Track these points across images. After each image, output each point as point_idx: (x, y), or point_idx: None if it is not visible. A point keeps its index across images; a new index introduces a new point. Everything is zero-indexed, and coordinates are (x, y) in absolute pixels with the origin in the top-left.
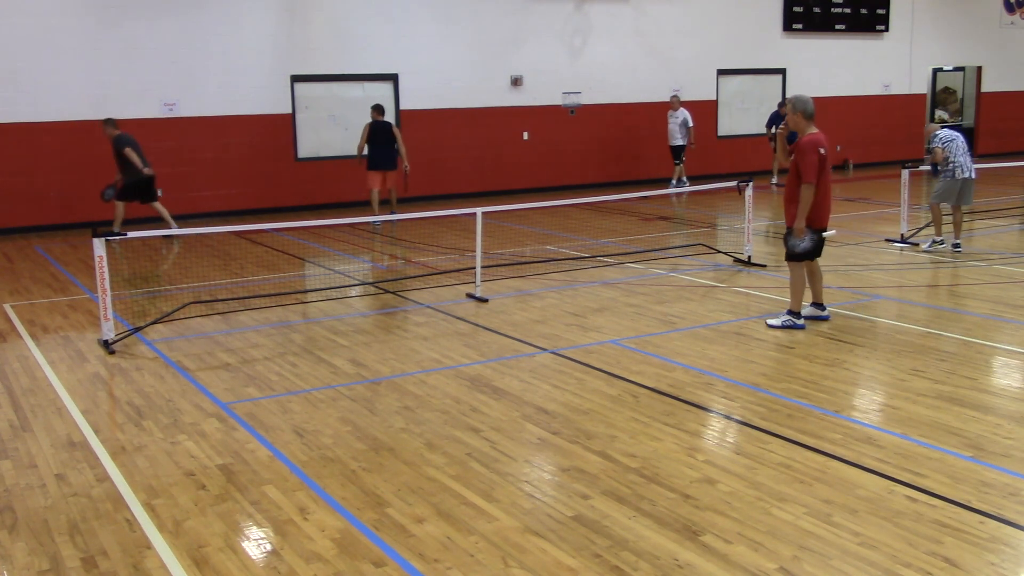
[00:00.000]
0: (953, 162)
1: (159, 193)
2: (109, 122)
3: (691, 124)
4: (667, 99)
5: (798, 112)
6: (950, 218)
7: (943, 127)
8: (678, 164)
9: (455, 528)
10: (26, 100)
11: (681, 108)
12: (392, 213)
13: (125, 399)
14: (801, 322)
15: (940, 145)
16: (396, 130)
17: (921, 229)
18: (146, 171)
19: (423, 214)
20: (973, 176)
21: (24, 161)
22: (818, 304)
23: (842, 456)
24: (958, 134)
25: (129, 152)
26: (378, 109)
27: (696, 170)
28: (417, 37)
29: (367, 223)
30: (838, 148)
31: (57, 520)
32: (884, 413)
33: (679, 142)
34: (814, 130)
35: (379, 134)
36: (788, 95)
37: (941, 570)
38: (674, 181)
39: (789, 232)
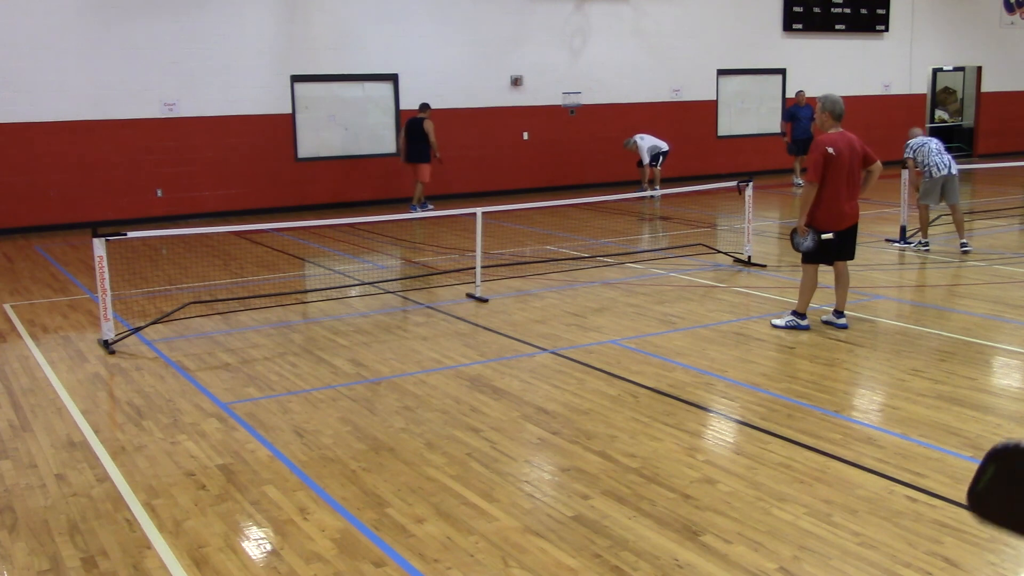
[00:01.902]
0: (926, 164)
1: None
2: None
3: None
4: (667, 99)
5: (826, 111)
6: (942, 220)
7: (918, 135)
8: (653, 167)
9: (455, 528)
10: (26, 100)
11: (637, 139)
12: (411, 208)
13: (125, 399)
14: (805, 323)
15: (910, 155)
16: (426, 125)
17: (920, 229)
18: None
19: (423, 214)
20: (953, 173)
21: (24, 161)
22: (838, 312)
23: (842, 456)
24: (930, 138)
25: None
26: (420, 107)
27: (696, 170)
28: (417, 37)
29: (367, 223)
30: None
31: (57, 520)
32: (884, 413)
33: (665, 148)
34: (837, 130)
35: (409, 130)
36: (819, 93)
37: (941, 570)
38: (650, 185)
39: (795, 231)
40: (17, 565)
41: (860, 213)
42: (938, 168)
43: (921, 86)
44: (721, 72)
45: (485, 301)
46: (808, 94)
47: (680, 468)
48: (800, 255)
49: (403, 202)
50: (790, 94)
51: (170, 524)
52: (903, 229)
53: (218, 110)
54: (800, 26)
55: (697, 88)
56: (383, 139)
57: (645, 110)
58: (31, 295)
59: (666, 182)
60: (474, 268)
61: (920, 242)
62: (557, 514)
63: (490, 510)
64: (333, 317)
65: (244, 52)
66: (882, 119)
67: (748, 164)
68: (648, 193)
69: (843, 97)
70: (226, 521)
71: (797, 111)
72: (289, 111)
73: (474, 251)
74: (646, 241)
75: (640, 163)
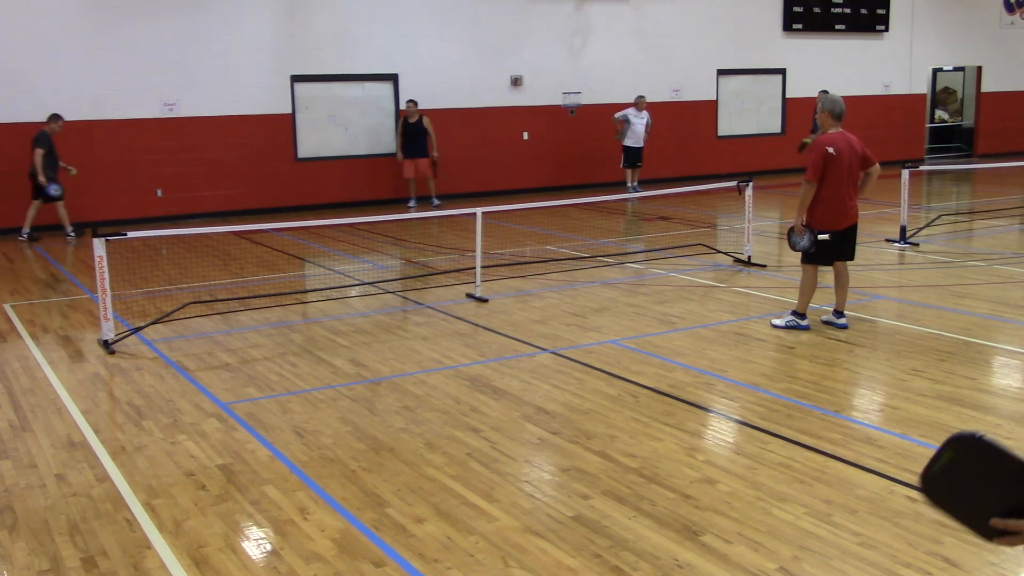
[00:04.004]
0: None
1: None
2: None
3: (650, 123)
4: (667, 99)
5: (826, 111)
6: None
7: None
8: (639, 167)
9: (455, 528)
10: (26, 100)
11: (645, 109)
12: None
13: (125, 399)
14: (805, 323)
15: None
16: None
17: (921, 229)
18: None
19: (423, 214)
20: None
21: (24, 161)
22: (838, 312)
23: (842, 456)
24: None
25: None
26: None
27: (696, 170)
28: (417, 37)
29: (367, 223)
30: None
31: (57, 520)
32: (884, 413)
33: (641, 144)
34: (837, 130)
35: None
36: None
37: (941, 570)
38: (636, 184)
39: (792, 230)
40: (17, 565)
41: (860, 213)
42: None
43: (921, 86)
44: (721, 72)
45: (485, 301)
46: (808, 94)
47: (680, 468)
48: (800, 255)
49: (402, 202)
50: (790, 94)
51: (170, 524)
52: (903, 229)
53: (218, 110)
54: (800, 26)
55: (697, 88)
56: (383, 139)
57: (647, 110)
58: (31, 295)
59: (666, 182)
60: (474, 268)
61: None
62: (557, 514)
63: (490, 510)
64: (333, 317)
65: (244, 52)
66: (882, 119)
67: (748, 164)
68: (640, 193)
69: (843, 97)
70: (226, 521)
71: None
72: (289, 111)
73: (474, 251)
74: (646, 241)
75: (627, 161)
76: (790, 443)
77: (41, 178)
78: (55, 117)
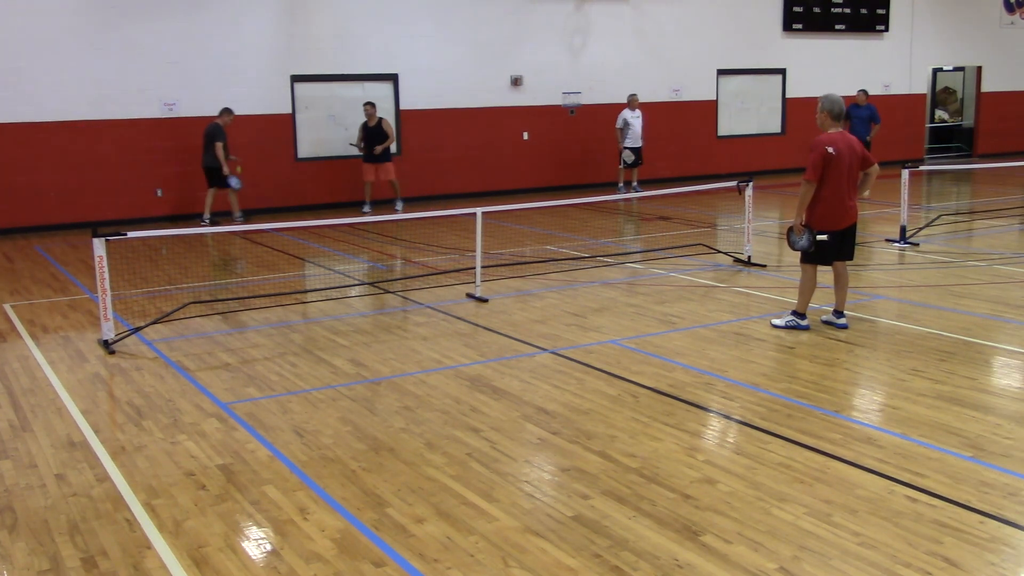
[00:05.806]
0: None
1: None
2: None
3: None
4: (667, 99)
5: (825, 111)
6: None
7: None
8: (640, 164)
9: (455, 528)
10: (26, 100)
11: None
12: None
13: (125, 399)
14: (805, 323)
15: None
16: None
17: (921, 229)
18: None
19: (423, 214)
20: None
21: (24, 161)
22: (838, 312)
23: (842, 456)
24: None
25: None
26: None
27: (696, 170)
28: (417, 37)
29: (366, 223)
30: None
31: (57, 520)
32: (884, 413)
33: (639, 143)
34: (837, 130)
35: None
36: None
37: (941, 570)
38: (637, 184)
39: (791, 229)
40: (17, 565)
41: (860, 213)
42: None
43: (921, 86)
44: (721, 72)
45: (485, 301)
46: (808, 94)
47: (680, 468)
48: (800, 256)
49: (403, 201)
50: (790, 94)
51: (170, 524)
52: (903, 229)
53: (218, 110)
54: (800, 26)
55: (697, 88)
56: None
57: (645, 110)
58: (31, 295)
59: (666, 182)
60: (474, 268)
61: None
62: (557, 514)
63: (490, 510)
64: (333, 317)
65: (244, 52)
66: (882, 119)
67: (748, 164)
68: (640, 193)
69: (844, 97)
70: (226, 521)
71: (854, 110)
72: (289, 111)
73: (474, 251)
74: (646, 241)
75: (625, 162)
76: (790, 443)
77: (225, 169)
78: (227, 111)
